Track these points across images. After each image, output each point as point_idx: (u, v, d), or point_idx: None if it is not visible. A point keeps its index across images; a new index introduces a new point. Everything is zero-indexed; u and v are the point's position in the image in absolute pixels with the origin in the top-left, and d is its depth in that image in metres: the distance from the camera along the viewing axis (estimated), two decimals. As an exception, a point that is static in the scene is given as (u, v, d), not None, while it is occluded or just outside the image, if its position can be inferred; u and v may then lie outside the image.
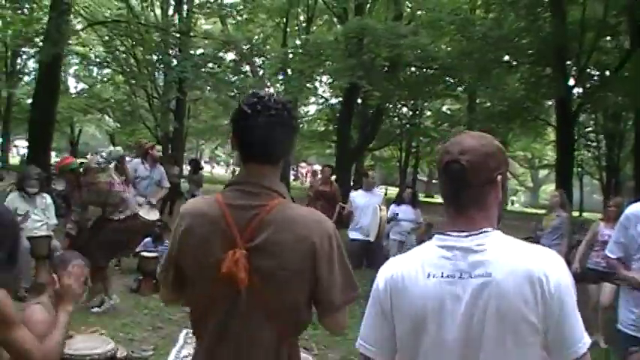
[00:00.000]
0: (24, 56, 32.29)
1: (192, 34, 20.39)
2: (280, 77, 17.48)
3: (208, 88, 22.64)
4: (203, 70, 19.41)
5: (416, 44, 14.88)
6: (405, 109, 31.48)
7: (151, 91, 24.37)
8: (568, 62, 16.17)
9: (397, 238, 10.49)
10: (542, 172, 51.12)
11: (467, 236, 1.78)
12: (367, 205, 9.27)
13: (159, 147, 11.56)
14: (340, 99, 27.89)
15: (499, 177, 1.84)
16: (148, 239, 9.32)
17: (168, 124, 21.57)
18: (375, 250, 9.25)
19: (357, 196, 9.70)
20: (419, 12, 18.81)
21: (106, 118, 33.32)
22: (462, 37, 14.86)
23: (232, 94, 20.71)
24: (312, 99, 32.37)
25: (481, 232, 1.78)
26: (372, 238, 8.95)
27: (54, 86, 18.47)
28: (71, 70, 33.26)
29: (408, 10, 20.08)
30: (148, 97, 25.12)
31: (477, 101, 23.65)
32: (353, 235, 9.40)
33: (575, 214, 32.46)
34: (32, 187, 8.30)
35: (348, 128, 21.33)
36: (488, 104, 22.37)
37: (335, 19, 28.41)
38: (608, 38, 16.42)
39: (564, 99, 15.67)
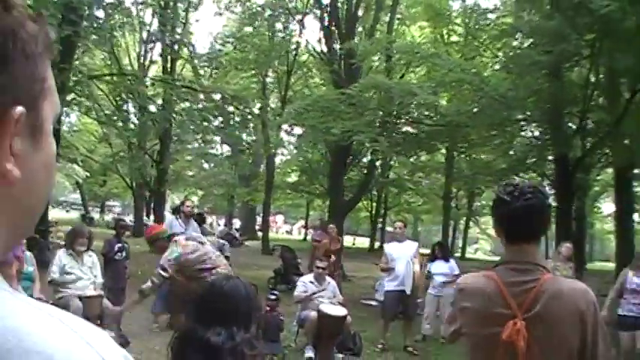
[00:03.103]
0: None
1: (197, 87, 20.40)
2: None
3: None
4: (207, 123, 19.52)
5: (429, 102, 15.37)
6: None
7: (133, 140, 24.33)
8: (568, 122, 17.01)
9: (432, 292, 10.81)
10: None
11: None
12: (400, 256, 9.57)
13: (189, 202, 11.52)
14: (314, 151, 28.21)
15: None
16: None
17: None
18: (410, 303, 9.66)
19: (391, 248, 10.03)
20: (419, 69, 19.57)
21: (75, 167, 32.77)
22: (477, 96, 15.46)
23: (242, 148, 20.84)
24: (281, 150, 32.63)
25: None
26: (407, 290, 9.33)
27: (56, 138, 18.11)
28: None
29: (418, 70, 20.82)
30: (129, 147, 25.03)
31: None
32: (389, 286, 9.71)
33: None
34: (82, 245, 8.19)
35: (341, 181, 21.62)
36: (471, 157, 23.21)
37: (315, 74, 29.10)
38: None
39: (564, 156, 16.40)
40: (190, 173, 36.92)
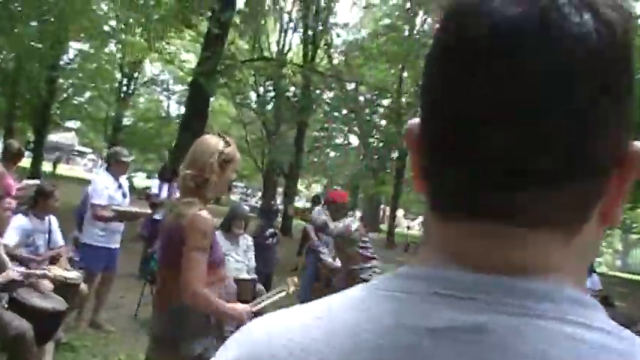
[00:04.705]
0: (135, 80, 33.26)
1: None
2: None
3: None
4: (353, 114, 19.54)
5: None
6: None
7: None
8: None
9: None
10: (633, 237, 49.68)
11: None
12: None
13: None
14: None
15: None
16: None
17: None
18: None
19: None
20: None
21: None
22: None
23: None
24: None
25: None
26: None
27: (204, 114, 18.35)
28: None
29: None
30: (266, 132, 25.62)
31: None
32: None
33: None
34: (239, 228, 8.07)
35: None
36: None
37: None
38: None
39: None
40: (315, 160, 37.05)
